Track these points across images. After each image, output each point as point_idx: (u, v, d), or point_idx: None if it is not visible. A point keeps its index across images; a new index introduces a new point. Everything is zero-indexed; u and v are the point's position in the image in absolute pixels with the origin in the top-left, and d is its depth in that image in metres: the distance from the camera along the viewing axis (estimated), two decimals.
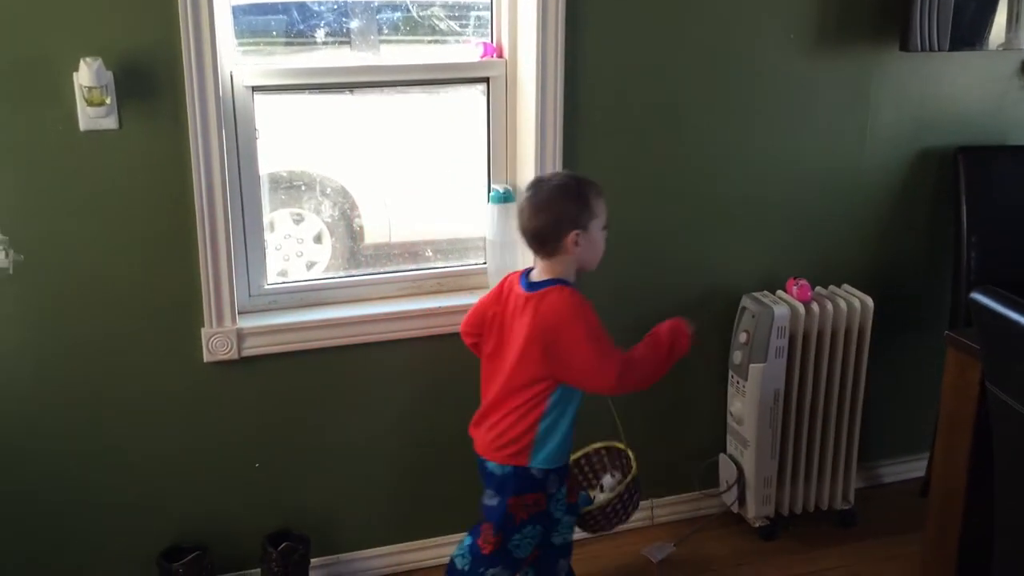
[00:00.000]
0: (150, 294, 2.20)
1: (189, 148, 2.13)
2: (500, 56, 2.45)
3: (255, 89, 2.27)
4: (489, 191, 2.49)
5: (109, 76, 2.04)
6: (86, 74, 1.99)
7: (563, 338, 2.02)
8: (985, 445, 1.89)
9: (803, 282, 2.56)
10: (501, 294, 2.16)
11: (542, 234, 2.07)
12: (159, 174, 2.14)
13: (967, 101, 2.71)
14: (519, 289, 2.11)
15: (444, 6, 2.44)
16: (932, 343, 2.82)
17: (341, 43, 2.40)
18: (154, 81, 2.09)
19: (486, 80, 2.46)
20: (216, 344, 2.26)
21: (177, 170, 2.15)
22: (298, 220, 2.51)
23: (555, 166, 2.40)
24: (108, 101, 2.04)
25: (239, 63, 2.25)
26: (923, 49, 2.49)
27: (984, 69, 2.70)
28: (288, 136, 2.39)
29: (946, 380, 2.11)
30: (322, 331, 2.35)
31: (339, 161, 2.51)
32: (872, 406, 2.75)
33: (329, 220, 2.52)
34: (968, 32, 2.53)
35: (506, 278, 2.19)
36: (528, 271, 2.14)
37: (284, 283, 2.43)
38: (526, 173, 2.45)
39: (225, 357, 2.28)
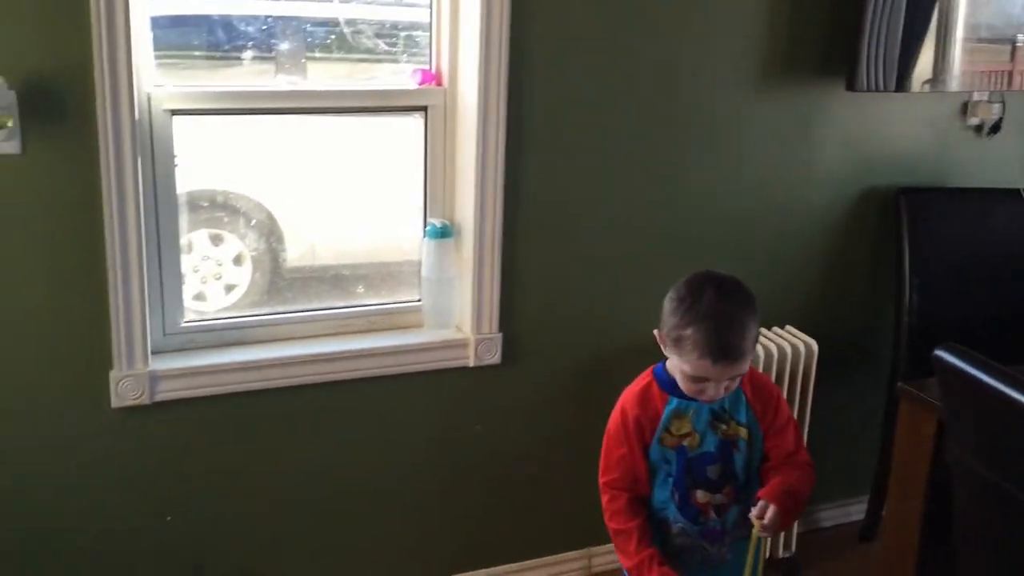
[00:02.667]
0: (53, 334, 2.01)
1: (100, 176, 1.96)
2: (439, 84, 2.33)
3: (174, 112, 2.10)
4: (426, 225, 2.36)
5: (12, 96, 1.85)
6: None
7: None
8: (938, 501, 1.83)
9: None
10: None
11: None
12: (66, 204, 1.96)
13: (909, 142, 2.69)
14: None
15: (374, 24, 2.30)
16: (872, 384, 2.81)
17: (266, 59, 2.25)
18: (63, 102, 1.91)
19: (423, 109, 2.33)
20: (125, 388, 2.08)
21: (86, 200, 1.97)
22: (217, 241, 2.35)
23: (496, 202, 2.29)
24: (10, 123, 1.86)
25: (157, 84, 2.08)
26: (869, 89, 2.46)
27: (926, 110, 2.68)
28: (209, 155, 2.23)
29: (899, 435, 2.05)
30: (242, 374, 2.19)
31: (263, 183, 2.35)
32: (812, 448, 2.68)
33: (250, 242, 2.36)
34: (906, 72, 2.51)
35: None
36: None
37: (201, 321, 2.26)
38: (465, 207, 2.33)
39: (135, 402, 2.09)
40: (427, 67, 2.33)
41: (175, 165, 2.14)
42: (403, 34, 2.34)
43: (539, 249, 2.37)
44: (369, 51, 2.32)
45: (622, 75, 2.35)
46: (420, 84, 2.32)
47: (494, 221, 2.31)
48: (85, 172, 1.95)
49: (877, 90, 2.46)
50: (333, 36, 2.30)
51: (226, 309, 2.33)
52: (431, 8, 2.30)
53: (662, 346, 1.88)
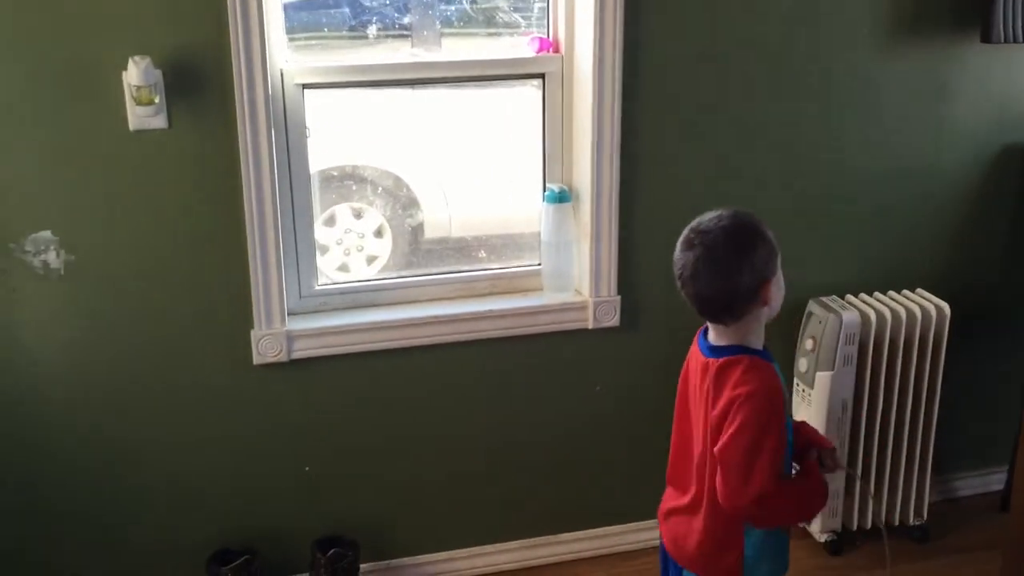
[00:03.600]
0: (199, 295, 2.18)
1: (238, 147, 2.10)
2: (556, 51, 2.37)
3: (305, 86, 2.23)
4: (544, 190, 2.41)
5: (158, 75, 2.01)
6: (135, 73, 1.97)
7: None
8: None
9: None
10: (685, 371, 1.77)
11: (728, 298, 1.65)
12: (208, 174, 2.12)
13: None
14: (697, 350, 1.76)
15: None
16: (1011, 350, 2.70)
17: (396, 38, 2.35)
18: (203, 80, 2.06)
19: (542, 76, 2.38)
20: (266, 346, 2.23)
21: (226, 170, 2.12)
22: (358, 214, 2.47)
23: (612, 167, 2.32)
24: (157, 100, 2.02)
25: (289, 60, 2.21)
26: (1006, 41, 2.35)
27: None
28: (342, 131, 2.35)
29: None
30: (372, 333, 2.31)
31: (397, 157, 2.46)
32: (947, 416, 2.61)
33: (388, 215, 2.47)
34: None
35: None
36: (702, 333, 1.78)
37: (334, 284, 2.39)
38: (582, 172, 2.37)
39: (275, 359, 2.24)
40: (544, 35, 2.38)
41: (307, 136, 2.26)
42: (536, 6, 2.38)
43: (657, 212, 2.39)
44: (500, 25, 2.38)
45: (744, 35, 2.33)
46: (537, 52, 2.37)
47: (611, 185, 2.34)
48: (224, 144, 2.10)
49: (1016, 41, 2.35)
50: (461, 12, 2.37)
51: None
52: None
53: (773, 282, 1.68)
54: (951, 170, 2.56)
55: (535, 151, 2.43)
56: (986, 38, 2.36)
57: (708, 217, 1.70)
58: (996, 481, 2.81)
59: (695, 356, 1.79)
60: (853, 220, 2.53)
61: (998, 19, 2.33)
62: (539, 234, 2.44)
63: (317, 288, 2.36)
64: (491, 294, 2.47)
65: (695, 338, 1.81)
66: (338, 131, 2.34)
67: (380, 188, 2.47)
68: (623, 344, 2.46)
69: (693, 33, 2.30)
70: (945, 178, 2.56)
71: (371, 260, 2.50)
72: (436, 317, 2.34)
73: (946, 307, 2.47)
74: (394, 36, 2.35)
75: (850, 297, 2.51)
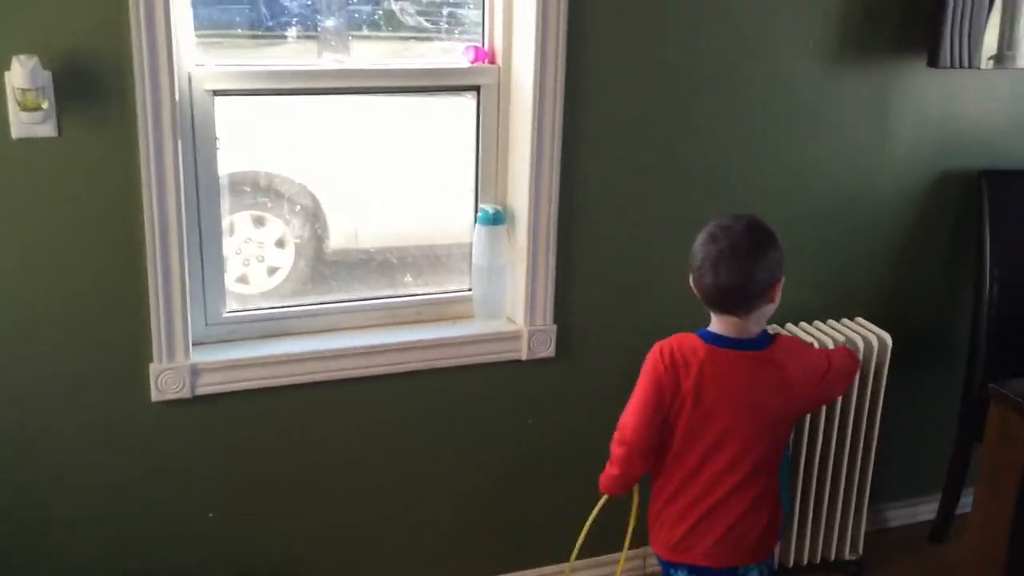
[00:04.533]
0: (90, 325, 1.93)
1: (139, 161, 1.86)
2: (492, 62, 2.21)
3: (216, 93, 2.00)
4: (477, 211, 2.24)
5: (47, 76, 1.76)
6: (19, 74, 1.71)
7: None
8: None
9: None
10: (675, 370, 1.86)
11: (744, 292, 1.81)
12: (103, 189, 1.87)
13: (993, 121, 2.51)
14: (726, 351, 1.85)
15: (421, 1, 2.18)
16: (947, 380, 2.65)
17: (310, 38, 2.15)
18: (100, 83, 1.82)
19: (476, 88, 2.21)
20: (166, 382, 2.00)
21: (124, 185, 1.88)
22: (259, 223, 2.26)
23: (552, 187, 2.17)
24: (45, 105, 1.77)
25: (198, 63, 1.98)
26: (953, 66, 2.29)
27: (1011, 87, 2.50)
28: (250, 135, 2.14)
29: (989, 437, 1.91)
30: (287, 366, 2.09)
31: (306, 165, 2.26)
32: (882, 446, 2.55)
33: (294, 225, 2.27)
34: (994, 47, 2.34)
35: (666, 352, 1.88)
36: (705, 333, 1.90)
37: (244, 311, 2.17)
38: (519, 192, 2.21)
39: (176, 396, 2.01)
40: (479, 44, 2.21)
41: (217, 148, 2.04)
42: (448, 11, 2.22)
43: (597, 236, 2.25)
44: (415, 29, 2.20)
45: (688, 51, 2.21)
46: (472, 62, 2.19)
47: (550, 206, 2.18)
48: (123, 156, 1.86)
49: (962, 66, 2.29)
50: (380, 13, 2.18)
51: (268, 296, 2.24)
52: None
53: (773, 291, 1.87)
54: (892, 194, 2.49)
55: (463, 165, 2.26)
56: (932, 62, 2.30)
57: (729, 217, 1.87)
58: (926, 511, 2.77)
59: (721, 359, 1.85)
60: (793, 245, 2.42)
61: (945, 44, 2.27)
62: (467, 252, 2.28)
63: (225, 315, 2.14)
64: (418, 322, 2.28)
65: (674, 361, 1.86)
66: (241, 134, 2.11)
67: (284, 196, 2.25)
68: (558, 376, 2.32)
69: (637, 48, 2.17)
70: (886, 203, 2.50)
71: (272, 271, 2.29)
72: (358, 348, 2.14)
73: (888, 338, 2.40)
74: (305, 36, 2.14)
75: (790, 326, 2.42)
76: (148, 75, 1.83)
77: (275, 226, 2.29)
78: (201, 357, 2.03)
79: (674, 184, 2.29)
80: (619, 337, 2.33)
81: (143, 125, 1.85)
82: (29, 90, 1.73)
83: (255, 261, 2.28)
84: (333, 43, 2.15)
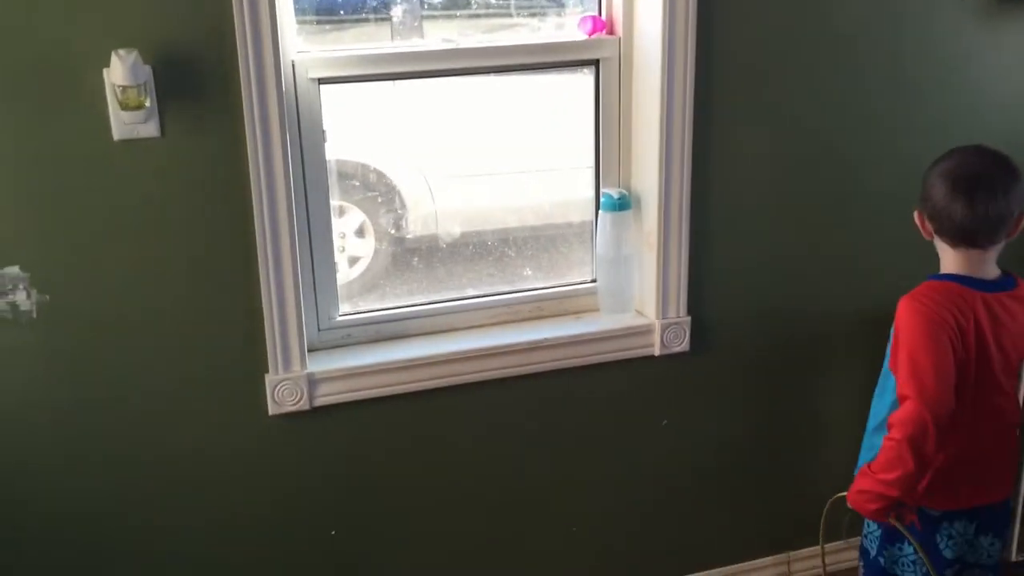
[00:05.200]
0: (202, 336, 1.81)
1: (247, 158, 1.73)
2: (612, 33, 2.02)
3: (322, 81, 1.86)
4: (599, 196, 2.07)
5: (148, 72, 1.63)
6: (119, 70, 1.58)
7: None
8: None
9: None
10: (958, 317, 1.71)
11: (1008, 218, 1.72)
12: (211, 191, 1.74)
13: None
14: (991, 295, 1.74)
15: None
16: None
17: (384, 20, 1.98)
18: (203, 77, 1.68)
19: (595, 63, 2.03)
20: (283, 393, 1.87)
21: (232, 185, 1.75)
22: (340, 212, 2.11)
23: (684, 168, 1.99)
24: (147, 103, 1.64)
25: (300, 50, 1.84)
26: None
27: None
28: (348, 123, 1.99)
29: None
30: (407, 372, 1.95)
31: (406, 149, 2.12)
32: None
33: (382, 215, 2.13)
34: None
35: (937, 300, 1.72)
36: (955, 276, 1.76)
37: (358, 314, 2.03)
38: (646, 175, 2.03)
39: (295, 408, 1.88)
40: (596, 13, 2.03)
41: (325, 140, 1.90)
42: None
43: (732, 220, 2.07)
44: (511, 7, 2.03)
45: (835, 12, 2.01)
46: (590, 34, 2.02)
47: (681, 189, 2.00)
48: (230, 154, 1.73)
49: None
50: None
51: (371, 294, 2.10)
52: None
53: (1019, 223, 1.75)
54: None
55: (582, 148, 2.09)
56: None
57: (969, 148, 1.76)
58: None
59: (990, 302, 1.73)
60: None
61: None
62: (590, 245, 2.11)
63: (338, 319, 2.00)
64: (539, 318, 2.12)
65: (954, 305, 1.72)
66: (343, 120, 1.96)
67: (366, 184, 2.11)
68: (694, 372, 2.14)
69: (778, 7, 1.96)
70: None
71: (353, 261, 2.16)
72: (481, 350, 1.99)
73: None
74: (381, 19, 1.98)
75: None
76: (253, 66, 1.69)
77: (354, 215, 2.16)
78: (318, 366, 1.90)
79: (819, 157, 2.09)
80: (758, 328, 2.15)
81: (250, 120, 1.71)
82: (130, 87, 1.60)
83: (337, 252, 2.15)
84: (414, 24, 1.98)
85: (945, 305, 1.71)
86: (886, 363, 1.82)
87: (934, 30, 2.09)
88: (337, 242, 2.13)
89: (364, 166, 2.16)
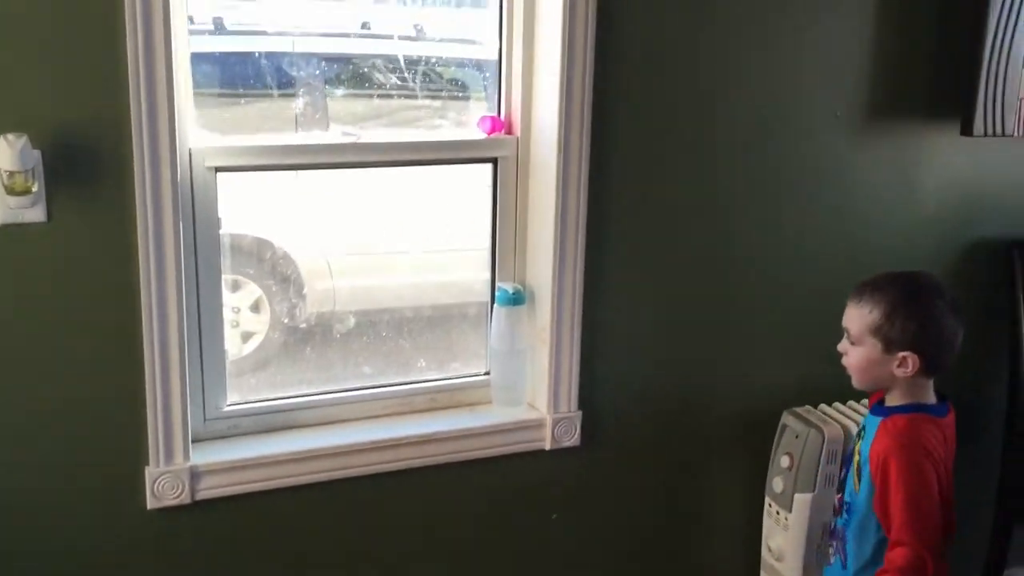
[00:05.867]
0: (80, 426, 1.75)
1: (136, 245, 1.70)
2: (510, 132, 2.08)
3: (219, 170, 1.85)
4: (494, 290, 2.10)
5: (37, 156, 1.60)
6: (7, 155, 1.55)
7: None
8: None
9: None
10: (939, 448, 1.75)
11: None
12: (96, 277, 1.71)
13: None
14: (949, 420, 1.81)
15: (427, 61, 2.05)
16: (982, 455, 2.53)
17: (288, 96, 1.99)
18: (95, 163, 1.66)
19: (494, 160, 2.08)
20: (164, 487, 1.81)
21: (119, 273, 1.71)
22: (234, 287, 2.11)
23: (576, 264, 2.03)
24: (35, 188, 1.60)
25: (199, 137, 1.83)
26: (987, 134, 2.20)
27: None
28: (246, 198, 1.99)
29: None
30: (294, 465, 1.92)
31: (297, 231, 2.13)
32: None
33: (274, 289, 2.14)
34: None
35: (927, 443, 1.75)
36: (927, 407, 1.80)
37: (246, 403, 1.99)
38: (539, 271, 2.07)
39: (175, 502, 1.82)
40: (495, 113, 2.08)
41: (219, 229, 1.88)
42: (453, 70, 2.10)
43: (624, 315, 2.12)
44: (408, 88, 2.07)
45: (715, 119, 2.10)
46: (489, 133, 2.07)
47: (574, 286, 2.05)
48: (119, 242, 1.70)
49: (995, 135, 2.21)
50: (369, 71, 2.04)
51: (264, 371, 2.09)
52: (500, 50, 2.05)
53: None
54: (922, 265, 2.37)
55: (477, 241, 2.13)
56: (966, 131, 2.21)
57: (919, 273, 1.87)
58: None
59: (946, 425, 1.80)
60: (824, 321, 2.30)
61: (979, 112, 2.19)
62: (484, 337, 2.14)
63: (226, 408, 1.96)
64: (431, 409, 2.12)
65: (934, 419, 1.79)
66: (238, 205, 1.96)
67: (261, 259, 2.11)
68: (584, 466, 2.16)
69: (664, 117, 2.05)
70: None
71: (247, 337, 2.16)
72: (373, 443, 1.97)
73: None
74: (285, 95, 2.00)
75: (824, 407, 2.29)
76: (148, 154, 1.67)
77: (250, 290, 2.15)
78: (202, 458, 1.85)
79: (702, 256, 2.17)
80: (649, 423, 2.19)
81: (142, 208, 1.68)
82: (17, 172, 1.57)
83: (230, 326, 2.12)
84: (316, 116, 2.00)
85: (932, 441, 1.74)
86: (858, 500, 1.81)
87: (810, 142, 2.20)
88: (231, 316, 2.11)
89: (262, 241, 2.15)
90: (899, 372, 1.76)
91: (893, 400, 1.82)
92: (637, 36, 1.99)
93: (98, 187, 1.67)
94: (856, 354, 1.80)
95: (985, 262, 2.45)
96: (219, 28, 1.91)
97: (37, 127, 1.60)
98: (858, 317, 1.79)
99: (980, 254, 2.44)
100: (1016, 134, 2.23)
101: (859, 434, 1.91)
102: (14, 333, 1.68)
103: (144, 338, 1.74)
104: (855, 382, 1.85)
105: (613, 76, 1.98)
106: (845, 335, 1.83)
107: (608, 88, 1.98)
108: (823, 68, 2.17)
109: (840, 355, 1.85)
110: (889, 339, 1.75)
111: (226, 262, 1.94)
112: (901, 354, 1.74)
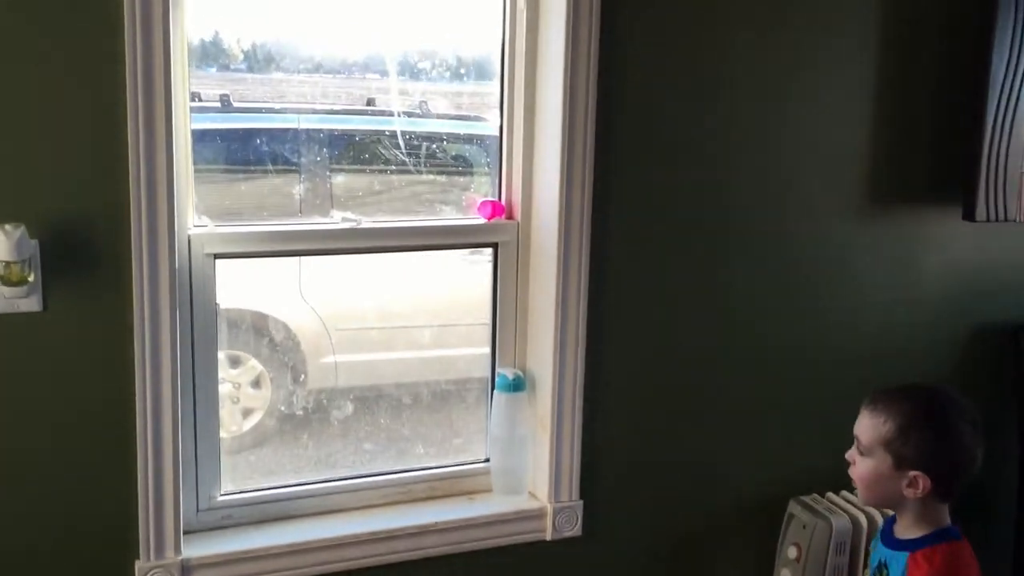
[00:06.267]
0: (70, 518, 1.71)
1: (132, 336, 1.68)
2: (511, 217, 2.07)
3: (217, 256, 1.84)
4: (494, 376, 2.07)
5: (34, 246, 1.59)
6: (4, 246, 1.54)
7: None
8: None
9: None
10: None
11: None
12: (91, 369, 1.68)
13: None
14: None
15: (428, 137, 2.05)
16: (994, 544, 2.48)
17: (290, 171, 1.99)
18: (93, 252, 1.65)
19: (494, 245, 2.07)
20: None
21: (114, 363, 1.69)
22: (235, 362, 2.10)
23: (578, 351, 2.01)
24: (31, 278, 1.59)
25: (198, 224, 1.82)
26: (989, 220, 2.20)
27: None
28: (242, 278, 1.97)
29: None
30: (290, 559, 1.87)
31: (295, 308, 2.15)
32: None
33: (275, 367, 2.14)
34: None
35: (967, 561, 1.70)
36: (952, 531, 1.72)
37: (241, 493, 1.95)
38: (540, 358, 2.04)
39: None
40: (495, 198, 2.08)
41: (216, 315, 1.86)
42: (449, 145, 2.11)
43: (627, 402, 2.09)
44: (410, 165, 2.07)
45: (717, 203, 2.10)
46: (489, 219, 2.06)
47: (576, 373, 2.02)
48: (115, 331, 1.68)
49: (998, 220, 2.20)
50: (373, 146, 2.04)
51: (262, 448, 2.07)
52: (501, 136, 2.06)
53: None
54: (923, 350, 2.36)
55: (478, 326, 2.11)
56: (968, 216, 2.20)
57: (938, 390, 1.76)
58: None
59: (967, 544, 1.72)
60: (818, 404, 2.28)
61: (980, 197, 2.18)
62: (484, 424, 2.10)
63: (219, 499, 1.92)
64: (431, 498, 2.08)
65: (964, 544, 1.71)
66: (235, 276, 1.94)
67: (261, 334, 2.11)
68: (585, 557, 2.11)
69: (663, 203, 2.05)
70: (917, 358, 2.36)
71: (247, 413, 2.14)
72: (371, 534, 1.93)
73: None
74: (286, 171, 1.99)
75: (831, 496, 2.24)
76: (147, 244, 1.66)
77: (251, 366, 2.14)
78: (194, 551, 1.80)
79: (704, 343, 2.14)
80: (651, 514, 2.15)
81: (139, 301, 1.67)
82: (14, 263, 1.56)
83: (230, 403, 2.09)
84: (316, 202, 2.00)
85: (973, 567, 1.68)
86: None
87: (813, 227, 2.19)
88: (231, 392, 2.08)
89: (262, 315, 2.14)
90: (908, 492, 1.66)
91: (908, 527, 1.72)
92: (638, 120, 1.99)
93: (95, 277, 1.66)
94: (864, 465, 1.70)
95: (990, 345, 2.42)
96: (226, 105, 1.92)
97: (35, 216, 1.59)
98: (871, 427, 1.69)
99: (985, 337, 2.41)
100: (1019, 219, 2.22)
101: (877, 571, 1.78)
102: (4, 422, 1.65)
103: (137, 430, 1.71)
104: (861, 497, 1.77)
105: (614, 161, 1.98)
106: (855, 443, 1.73)
107: (609, 173, 1.98)
108: (824, 151, 2.17)
109: (848, 463, 1.75)
110: (901, 455, 1.65)
111: (226, 338, 1.93)
112: (912, 473, 1.65)
